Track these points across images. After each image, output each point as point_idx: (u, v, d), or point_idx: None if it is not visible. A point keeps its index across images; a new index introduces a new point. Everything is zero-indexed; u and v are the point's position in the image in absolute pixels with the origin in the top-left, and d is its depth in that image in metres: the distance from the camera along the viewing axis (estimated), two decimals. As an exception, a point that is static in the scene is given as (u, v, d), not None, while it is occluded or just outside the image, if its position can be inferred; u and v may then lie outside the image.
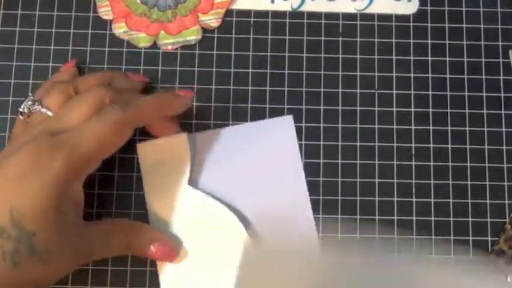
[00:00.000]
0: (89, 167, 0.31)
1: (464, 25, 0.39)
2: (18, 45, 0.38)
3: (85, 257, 0.32)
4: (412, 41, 0.38)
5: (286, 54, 0.38)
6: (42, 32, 0.38)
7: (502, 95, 0.38)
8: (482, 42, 0.39)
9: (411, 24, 0.39)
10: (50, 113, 0.32)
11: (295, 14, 0.39)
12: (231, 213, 0.34)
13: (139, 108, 0.32)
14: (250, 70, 0.38)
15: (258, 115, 0.37)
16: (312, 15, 0.39)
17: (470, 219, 0.36)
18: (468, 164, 0.37)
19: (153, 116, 0.33)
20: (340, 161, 0.37)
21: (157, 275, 0.35)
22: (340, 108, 0.37)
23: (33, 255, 0.28)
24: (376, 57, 0.38)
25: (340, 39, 0.38)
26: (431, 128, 0.37)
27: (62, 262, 0.30)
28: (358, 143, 0.37)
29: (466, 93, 0.38)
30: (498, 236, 0.36)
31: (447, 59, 0.38)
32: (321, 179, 0.36)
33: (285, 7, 0.39)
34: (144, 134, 0.35)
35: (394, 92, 0.38)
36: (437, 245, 0.36)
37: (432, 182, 0.37)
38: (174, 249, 0.34)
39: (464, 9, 0.39)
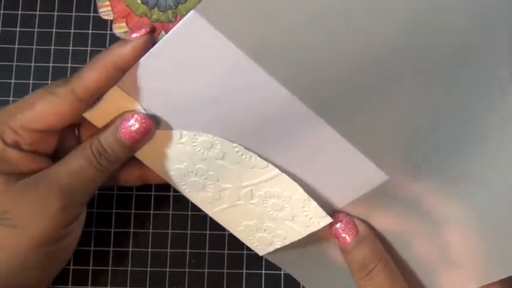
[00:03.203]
0: (21, 138, 0.28)
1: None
2: (19, 45, 0.38)
3: (63, 195, 0.28)
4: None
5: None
6: (43, 32, 0.38)
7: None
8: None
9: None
10: None
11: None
12: None
13: (80, 75, 0.28)
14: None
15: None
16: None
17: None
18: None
19: (100, 74, 0.28)
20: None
21: (158, 275, 0.35)
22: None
23: None
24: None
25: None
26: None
27: (34, 215, 0.28)
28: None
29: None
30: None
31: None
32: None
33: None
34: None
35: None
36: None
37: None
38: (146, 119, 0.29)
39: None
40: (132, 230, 0.36)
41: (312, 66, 0.26)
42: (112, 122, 0.29)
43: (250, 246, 0.33)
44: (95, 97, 0.29)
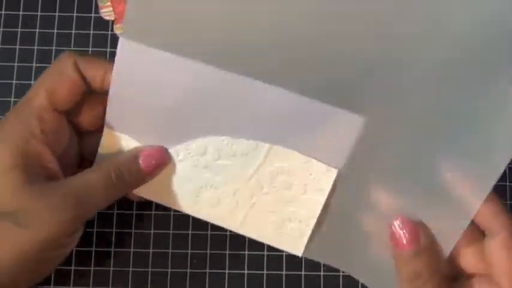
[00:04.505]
0: (43, 123, 0.30)
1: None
2: (20, 45, 0.38)
3: (78, 206, 0.29)
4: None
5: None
6: (44, 33, 0.38)
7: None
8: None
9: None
10: None
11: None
12: None
13: (88, 57, 0.31)
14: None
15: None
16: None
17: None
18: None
19: (101, 74, 0.30)
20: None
21: (159, 276, 0.35)
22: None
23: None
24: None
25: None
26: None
27: (47, 219, 0.28)
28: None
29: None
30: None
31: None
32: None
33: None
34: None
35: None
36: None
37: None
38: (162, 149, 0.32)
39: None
40: (133, 231, 0.36)
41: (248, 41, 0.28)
42: (131, 150, 0.32)
43: (287, 249, 0.34)
44: (94, 76, 0.30)
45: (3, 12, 0.38)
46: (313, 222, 0.33)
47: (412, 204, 0.30)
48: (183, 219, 0.36)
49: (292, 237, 0.33)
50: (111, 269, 0.36)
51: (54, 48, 0.38)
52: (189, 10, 0.28)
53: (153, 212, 0.36)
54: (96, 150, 0.32)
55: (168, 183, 0.33)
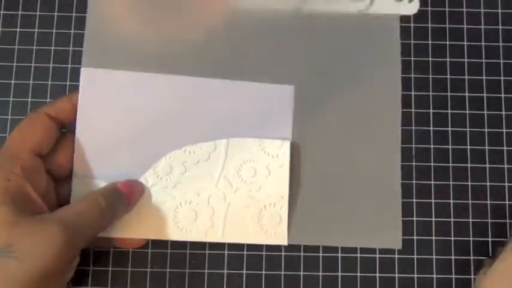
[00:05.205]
0: (22, 161, 0.31)
1: (465, 26, 0.39)
2: (19, 46, 0.38)
3: (68, 232, 0.29)
4: (412, 41, 0.39)
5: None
6: (43, 33, 0.38)
7: (503, 95, 0.38)
8: (483, 43, 0.39)
9: (412, 24, 0.39)
10: None
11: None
12: None
13: (53, 102, 0.34)
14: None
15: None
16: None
17: (470, 220, 0.36)
18: (469, 165, 0.37)
19: (69, 107, 0.34)
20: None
21: (158, 276, 0.35)
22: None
23: None
24: (376, 57, 0.38)
25: (341, 39, 0.39)
26: (431, 128, 0.37)
27: (41, 249, 0.28)
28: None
29: (467, 94, 0.38)
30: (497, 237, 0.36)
31: (447, 59, 0.38)
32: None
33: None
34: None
35: (395, 92, 0.38)
36: (437, 246, 0.36)
37: (432, 182, 0.37)
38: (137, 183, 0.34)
39: (465, 10, 0.39)
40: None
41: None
42: (109, 183, 0.33)
43: (271, 242, 0.34)
44: (66, 118, 0.34)
45: (1, 12, 0.38)
46: (286, 200, 0.33)
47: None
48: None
49: (272, 226, 0.33)
50: (110, 269, 0.36)
51: (53, 48, 0.38)
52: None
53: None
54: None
55: (147, 215, 0.33)
